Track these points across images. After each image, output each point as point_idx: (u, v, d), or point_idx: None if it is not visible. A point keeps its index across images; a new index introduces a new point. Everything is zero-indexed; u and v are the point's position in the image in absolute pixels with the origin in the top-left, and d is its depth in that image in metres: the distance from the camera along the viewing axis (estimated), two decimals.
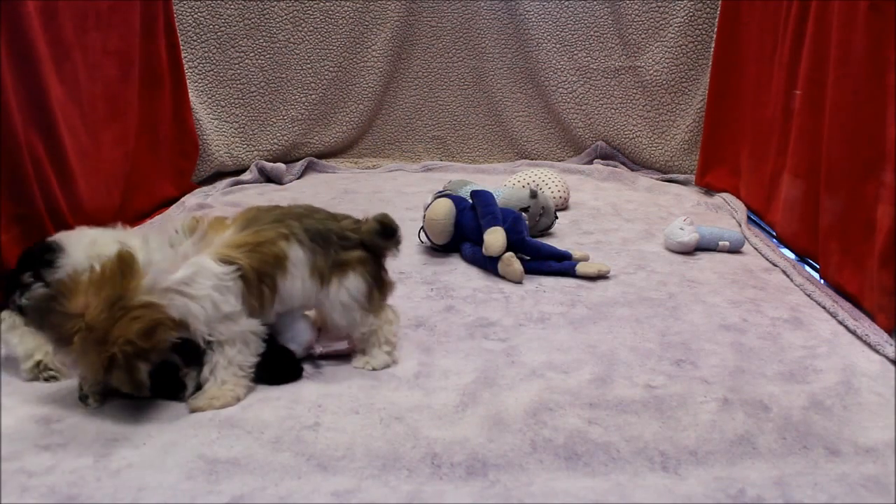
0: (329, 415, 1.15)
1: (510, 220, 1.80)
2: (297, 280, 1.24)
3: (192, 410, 1.16)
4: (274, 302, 1.24)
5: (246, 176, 2.68)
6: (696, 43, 2.77)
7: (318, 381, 1.26)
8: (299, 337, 1.33)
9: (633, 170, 2.87)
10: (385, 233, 1.32)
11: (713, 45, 2.57)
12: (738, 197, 2.41)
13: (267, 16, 2.80)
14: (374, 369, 1.31)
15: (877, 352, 1.37)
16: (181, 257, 1.17)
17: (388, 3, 2.88)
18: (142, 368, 1.10)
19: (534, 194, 2.03)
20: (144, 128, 2.29)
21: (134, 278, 1.12)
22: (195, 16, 2.69)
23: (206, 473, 1.01)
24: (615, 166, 2.86)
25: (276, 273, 1.22)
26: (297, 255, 1.24)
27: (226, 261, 1.17)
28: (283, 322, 1.32)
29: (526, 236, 1.81)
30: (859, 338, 1.43)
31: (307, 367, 1.30)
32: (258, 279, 1.20)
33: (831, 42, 1.74)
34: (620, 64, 2.90)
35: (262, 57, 2.82)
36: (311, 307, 1.32)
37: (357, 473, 1.02)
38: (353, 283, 1.28)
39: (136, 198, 2.22)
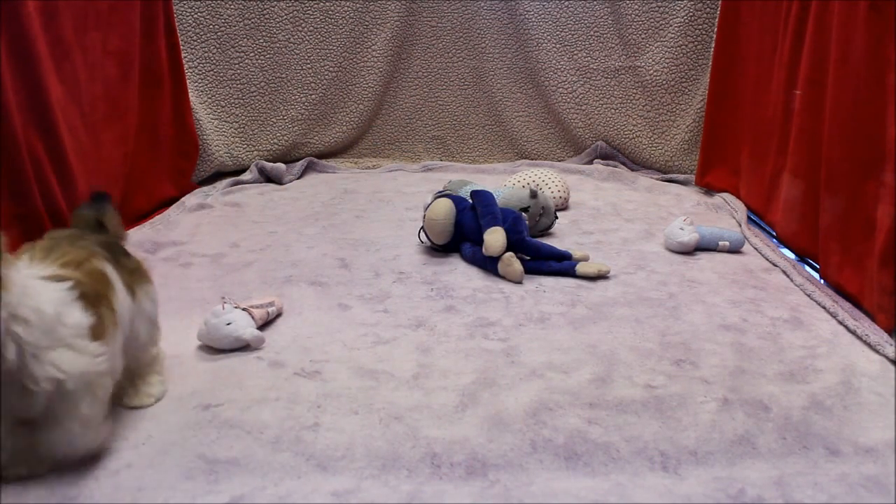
0: (328, 415, 1.15)
1: (510, 220, 1.80)
2: (121, 299, 1.05)
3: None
4: (116, 329, 1.01)
5: (246, 176, 2.68)
6: (696, 43, 2.77)
7: (317, 382, 1.26)
8: (246, 325, 1.36)
9: (633, 170, 2.87)
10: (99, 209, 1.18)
11: (713, 45, 2.57)
12: (738, 197, 2.41)
13: (267, 16, 2.80)
14: (156, 401, 1.17)
15: (877, 352, 1.37)
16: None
17: (388, 3, 2.88)
18: None
19: (534, 194, 2.03)
20: (144, 128, 2.29)
21: None
22: (195, 16, 2.69)
23: (205, 473, 1.01)
24: (615, 166, 2.86)
25: (108, 291, 1.02)
26: (110, 272, 1.05)
27: (56, 278, 0.95)
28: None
29: (526, 236, 1.81)
30: (859, 338, 1.43)
31: (300, 365, 1.30)
32: (97, 298, 0.98)
33: (831, 42, 1.74)
34: (620, 64, 2.90)
35: (262, 57, 2.82)
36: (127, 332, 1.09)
37: (357, 473, 1.02)
38: (152, 291, 1.17)
39: (136, 198, 2.23)
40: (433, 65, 2.99)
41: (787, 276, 1.77)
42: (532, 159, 2.99)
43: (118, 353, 1.02)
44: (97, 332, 0.95)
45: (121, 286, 1.06)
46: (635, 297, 1.63)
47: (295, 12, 2.83)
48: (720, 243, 1.93)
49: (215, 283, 1.70)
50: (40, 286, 0.92)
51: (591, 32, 2.89)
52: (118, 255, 1.12)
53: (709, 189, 2.59)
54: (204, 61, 2.74)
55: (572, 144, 3.01)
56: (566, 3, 2.89)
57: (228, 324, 1.35)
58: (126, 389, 1.16)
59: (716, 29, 2.54)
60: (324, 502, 0.96)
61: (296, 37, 2.84)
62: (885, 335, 1.42)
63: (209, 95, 2.77)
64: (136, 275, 1.14)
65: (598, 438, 1.10)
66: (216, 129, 2.76)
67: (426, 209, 1.90)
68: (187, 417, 1.14)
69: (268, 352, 1.36)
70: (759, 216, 2.26)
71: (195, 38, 2.71)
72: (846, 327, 1.48)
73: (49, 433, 0.95)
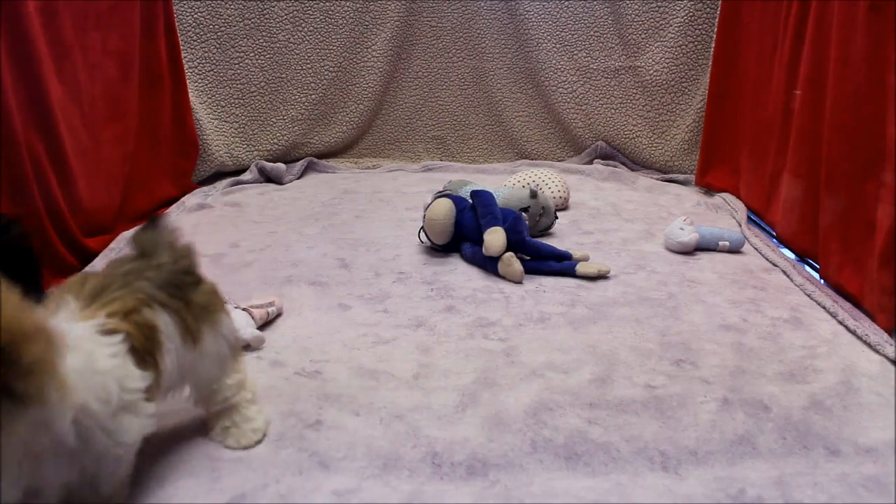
0: (329, 415, 1.16)
1: (510, 220, 1.80)
2: (172, 354, 0.95)
3: None
4: (160, 390, 0.93)
5: (246, 176, 2.68)
6: (696, 43, 2.77)
7: (318, 381, 1.26)
8: (246, 325, 1.35)
9: (633, 170, 2.87)
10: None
11: (713, 45, 2.57)
12: (738, 197, 2.41)
13: (267, 16, 2.80)
14: (263, 435, 1.09)
15: (877, 352, 1.37)
16: None
17: (388, 3, 2.88)
18: None
19: (534, 194, 2.03)
20: (144, 128, 2.29)
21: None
22: (195, 16, 2.69)
23: (207, 471, 1.01)
24: (615, 166, 2.86)
25: (155, 350, 0.91)
26: (165, 323, 0.94)
27: (105, 331, 0.85)
28: None
29: (526, 236, 1.81)
30: (859, 338, 1.43)
31: (301, 365, 1.30)
32: (141, 355, 0.89)
33: (831, 42, 1.74)
34: (620, 64, 2.90)
35: (262, 57, 2.82)
36: (179, 384, 1.01)
37: (358, 473, 1.02)
38: (226, 326, 1.05)
39: (136, 198, 2.23)
40: (433, 65, 2.99)
41: (787, 276, 1.77)
42: (532, 159, 2.99)
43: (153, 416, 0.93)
44: (151, 392, 0.88)
45: (175, 341, 0.95)
46: (635, 297, 1.63)
47: (295, 12, 2.82)
48: (720, 243, 1.93)
49: (215, 283, 1.70)
50: (94, 344, 0.82)
51: (591, 32, 2.90)
52: (186, 292, 0.99)
53: (709, 189, 2.59)
54: (204, 61, 2.74)
55: (572, 144, 3.01)
56: (566, 3, 2.89)
57: None
58: (221, 429, 1.08)
59: (716, 29, 2.54)
60: (325, 502, 0.96)
61: (296, 37, 2.84)
62: (885, 335, 1.42)
63: (209, 95, 2.77)
64: (204, 312, 1.02)
65: (598, 438, 1.10)
66: (216, 129, 2.76)
67: (426, 209, 1.90)
68: (189, 414, 1.14)
69: (268, 352, 1.36)
70: (759, 216, 2.26)
71: (195, 38, 2.71)
72: (846, 327, 1.48)
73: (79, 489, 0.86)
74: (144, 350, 0.89)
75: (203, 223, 2.17)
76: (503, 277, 1.74)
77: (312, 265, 1.82)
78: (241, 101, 2.82)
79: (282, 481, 1.00)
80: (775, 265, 1.85)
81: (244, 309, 1.41)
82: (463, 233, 1.86)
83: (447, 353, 1.37)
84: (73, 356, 0.77)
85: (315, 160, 2.88)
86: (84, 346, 0.80)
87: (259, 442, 1.08)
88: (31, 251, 1.45)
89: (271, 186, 2.64)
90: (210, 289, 1.06)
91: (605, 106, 2.93)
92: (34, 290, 0.82)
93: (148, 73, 2.30)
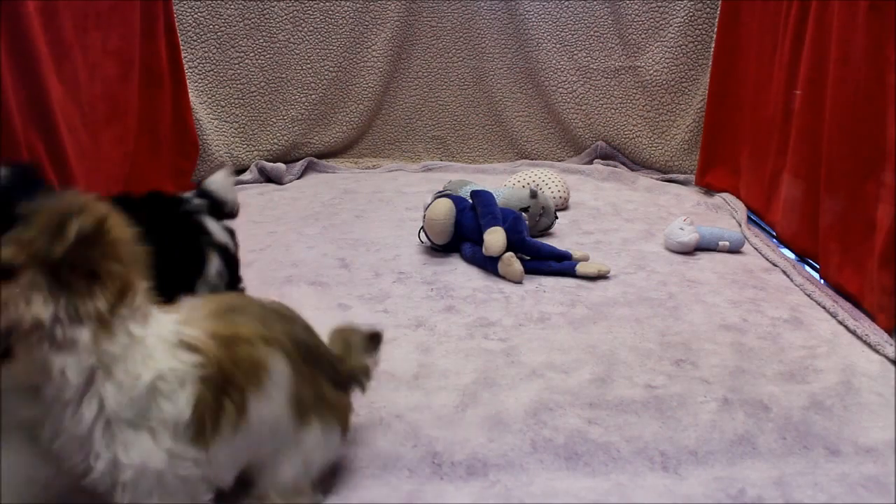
0: None
1: (510, 220, 1.80)
2: (273, 405, 0.84)
3: None
4: (236, 430, 0.80)
5: (246, 176, 2.68)
6: (696, 43, 2.77)
7: None
8: None
9: (633, 170, 2.87)
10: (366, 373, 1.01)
11: (713, 45, 2.57)
12: (738, 197, 2.41)
13: (267, 16, 2.80)
14: None
15: (877, 352, 1.37)
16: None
17: (388, 3, 2.88)
18: None
19: (534, 194, 2.03)
20: (144, 128, 2.29)
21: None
22: (195, 16, 2.69)
23: None
24: (615, 166, 2.86)
25: (249, 387, 0.81)
26: (279, 370, 0.84)
27: (188, 346, 0.77)
28: None
29: (526, 236, 1.81)
30: (859, 338, 1.43)
31: None
32: (222, 387, 0.78)
33: (831, 42, 1.74)
34: (620, 64, 2.90)
35: (262, 57, 2.82)
36: (266, 457, 0.88)
37: (358, 472, 1.02)
38: (332, 438, 0.93)
39: None
40: (433, 65, 2.99)
41: (787, 276, 1.77)
42: (532, 159, 2.99)
43: (229, 459, 0.82)
44: (197, 432, 0.76)
45: (281, 394, 0.85)
46: (635, 297, 1.63)
47: (295, 12, 2.82)
48: (720, 243, 1.93)
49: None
50: (161, 348, 0.75)
51: (591, 32, 2.89)
52: (320, 371, 0.91)
53: (709, 189, 2.59)
54: (204, 61, 2.74)
55: (572, 144, 3.01)
56: (566, 3, 2.88)
57: None
58: None
59: (716, 29, 2.54)
60: (325, 501, 0.96)
61: (296, 37, 2.84)
62: (885, 335, 1.42)
63: (209, 95, 2.77)
64: (324, 405, 0.91)
65: (598, 438, 1.10)
66: (216, 129, 2.76)
67: (426, 209, 1.90)
68: None
69: None
70: (759, 216, 2.26)
71: (195, 38, 2.71)
72: (846, 327, 1.48)
73: None
74: (230, 380, 0.79)
75: None
76: (503, 277, 1.74)
77: (312, 265, 1.82)
78: (241, 101, 2.82)
79: None
80: (775, 265, 1.85)
81: None
82: (463, 233, 1.86)
83: (447, 353, 1.37)
84: (125, 347, 0.73)
85: (315, 160, 2.88)
86: (152, 342, 0.75)
87: None
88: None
89: (271, 186, 2.64)
90: (347, 402, 0.97)
91: (605, 106, 2.93)
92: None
93: (148, 73, 2.30)
